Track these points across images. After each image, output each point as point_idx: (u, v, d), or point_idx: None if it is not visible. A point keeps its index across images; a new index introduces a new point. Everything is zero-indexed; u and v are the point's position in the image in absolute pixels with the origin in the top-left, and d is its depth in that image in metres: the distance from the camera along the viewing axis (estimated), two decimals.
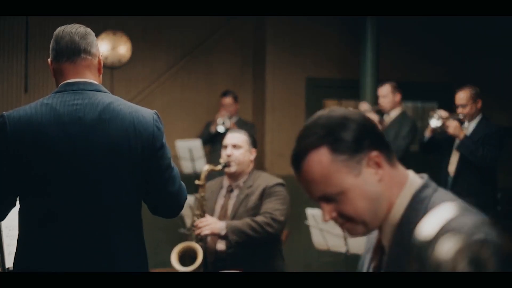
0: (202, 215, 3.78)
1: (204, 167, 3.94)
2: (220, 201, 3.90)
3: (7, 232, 2.46)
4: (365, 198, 1.35)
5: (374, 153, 1.37)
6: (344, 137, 1.34)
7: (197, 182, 3.87)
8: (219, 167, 3.83)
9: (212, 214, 3.84)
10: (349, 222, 1.36)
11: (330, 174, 1.33)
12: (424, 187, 1.40)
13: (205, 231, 3.67)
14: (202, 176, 3.89)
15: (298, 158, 1.36)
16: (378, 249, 1.42)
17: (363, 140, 1.36)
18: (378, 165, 1.37)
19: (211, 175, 4.00)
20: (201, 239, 3.78)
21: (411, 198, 1.38)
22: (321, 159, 1.33)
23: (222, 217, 3.82)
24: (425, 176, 1.44)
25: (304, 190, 1.38)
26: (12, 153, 2.16)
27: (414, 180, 1.41)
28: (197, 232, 3.72)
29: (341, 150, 1.34)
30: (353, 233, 1.37)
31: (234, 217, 3.74)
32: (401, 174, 1.42)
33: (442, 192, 1.39)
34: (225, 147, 3.85)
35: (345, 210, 1.34)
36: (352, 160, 1.34)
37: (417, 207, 1.35)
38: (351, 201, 1.34)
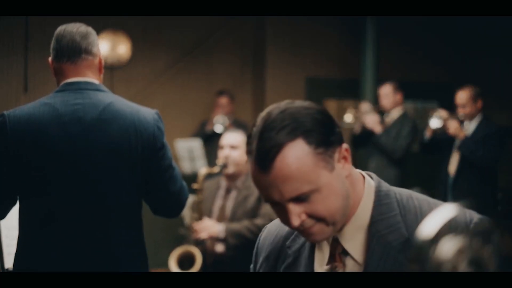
0: (200, 218, 3.77)
1: (201, 171, 3.91)
2: (218, 202, 3.88)
3: (7, 232, 2.45)
4: (338, 195, 1.24)
5: (345, 146, 1.27)
6: (317, 129, 1.23)
7: (194, 186, 3.85)
8: (216, 170, 3.81)
9: (209, 215, 3.83)
10: (318, 224, 1.23)
11: (308, 169, 1.21)
12: (379, 181, 1.34)
13: (204, 235, 3.66)
14: (200, 180, 3.87)
15: (270, 154, 1.20)
16: (337, 255, 1.28)
17: (333, 132, 1.25)
18: (346, 159, 1.27)
19: (208, 175, 4.00)
20: (199, 242, 3.77)
21: (375, 194, 1.31)
22: (298, 152, 1.20)
23: (220, 218, 3.79)
24: (366, 172, 1.37)
25: (269, 193, 1.23)
26: (12, 152, 2.16)
27: (366, 176, 1.35)
28: (195, 236, 3.70)
29: (316, 143, 1.21)
30: (318, 237, 1.25)
31: (232, 218, 3.72)
32: (356, 171, 1.34)
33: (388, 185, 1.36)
34: (222, 147, 3.82)
35: (318, 210, 1.22)
36: (326, 154, 1.23)
37: (387, 202, 1.30)
38: (325, 199, 1.23)
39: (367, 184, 1.32)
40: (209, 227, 3.66)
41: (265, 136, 1.21)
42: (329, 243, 1.30)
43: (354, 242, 1.28)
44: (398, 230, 1.26)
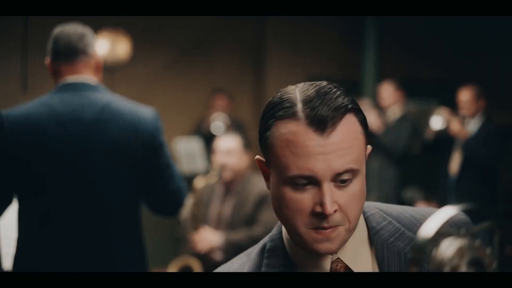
0: (197, 227, 3.70)
1: (198, 182, 3.81)
2: (215, 208, 3.80)
3: (5, 232, 2.45)
4: (364, 193, 1.12)
5: (370, 146, 1.17)
6: (362, 111, 1.13)
7: (191, 198, 3.76)
8: (213, 180, 3.73)
9: (205, 220, 3.77)
10: (338, 228, 1.08)
11: (361, 145, 1.10)
12: None
13: (203, 247, 3.60)
14: (197, 190, 3.77)
15: (336, 114, 1.06)
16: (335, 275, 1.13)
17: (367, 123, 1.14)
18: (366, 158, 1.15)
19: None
20: (198, 255, 3.71)
21: None
22: (356, 125, 1.09)
23: (217, 225, 3.73)
24: None
25: (312, 163, 1.05)
26: (10, 152, 2.16)
27: None
28: (194, 248, 3.65)
29: (362, 123, 1.12)
30: (333, 245, 1.09)
31: (231, 226, 3.65)
32: None
33: None
34: (217, 153, 3.73)
35: (352, 202, 1.08)
36: (366, 142, 1.12)
37: (373, 213, 1.19)
38: (360, 192, 1.10)
39: None
40: (208, 239, 3.60)
41: (328, 97, 1.07)
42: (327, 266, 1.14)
43: (359, 258, 1.15)
44: (403, 234, 1.16)
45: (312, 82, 1.13)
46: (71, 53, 2.26)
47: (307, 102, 1.08)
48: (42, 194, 2.18)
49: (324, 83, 1.12)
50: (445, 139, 5.19)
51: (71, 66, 2.26)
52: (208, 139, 6.64)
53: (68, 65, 2.26)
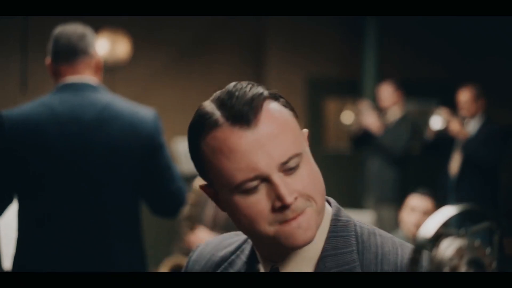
0: (193, 227, 3.71)
1: (198, 182, 3.83)
2: (210, 210, 3.81)
3: (5, 232, 2.45)
4: (320, 176, 1.07)
5: (306, 130, 1.11)
6: (280, 96, 1.08)
7: (191, 199, 3.78)
8: None
9: (200, 222, 3.77)
10: (308, 208, 1.03)
11: (293, 126, 1.05)
12: (338, 209, 1.13)
13: None
14: (196, 190, 3.78)
15: (254, 103, 1.01)
16: None
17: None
18: (307, 145, 1.11)
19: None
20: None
21: (332, 223, 1.11)
22: (279, 107, 1.05)
23: (212, 226, 3.72)
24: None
25: (252, 162, 1.00)
26: (10, 152, 2.16)
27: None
28: (189, 247, 3.64)
29: (287, 106, 1.07)
30: (306, 234, 1.03)
31: (226, 227, 3.66)
32: None
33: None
34: None
35: (308, 185, 1.03)
36: (297, 123, 1.08)
37: (343, 234, 1.10)
38: (312, 174, 1.04)
39: (326, 207, 1.12)
40: (204, 239, 3.58)
41: (241, 92, 1.02)
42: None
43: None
44: (352, 270, 1.06)
45: (223, 89, 1.08)
46: (71, 53, 2.26)
47: (222, 106, 1.03)
48: (41, 194, 2.18)
49: (233, 83, 1.06)
50: (445, 140, 5.18)
51: (71, 66, 2.26)
52: None
53: (68, 65, 2.26)
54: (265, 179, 1.01)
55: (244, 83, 1.05)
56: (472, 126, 5.07)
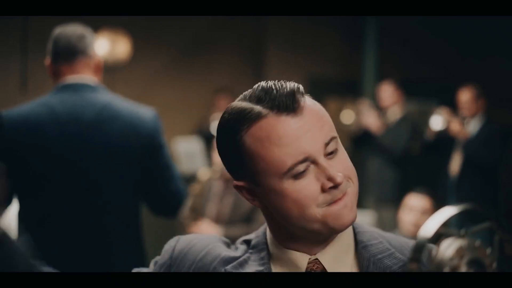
0: (196, 219, 3.73)
1: (202, 174, 3.85)
2: (213, 205, 3.83)
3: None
4: (347, 156, 1.13)
5: None
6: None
7: (195, 189, 3.80)
8: (217, 174, 3.77)
9: (204, 215, 3.79)
10: (350, 190, 1.09)
11: (325, 113, 1.12)
12: None
13: None
14: (201, 183, 3.81)
15: (296, 91, 1.08)
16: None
17: None
18: None
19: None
20: None
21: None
22: (308, 99, 1.11)
23: (216, 220, 3.75)
24: None
25: (301, 144, 1.06)
26: (10, 152, 2.16)
27: None
28: None
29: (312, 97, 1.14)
30: (350, 215, 1.08)
31: (229, 222, 3.68)
32: None
33: None
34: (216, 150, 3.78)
35: (348, 167, 1.10)
36: None
37: (364, 230, 1.18)
38: (346, 154, 1.11)
39: None
40: (207, 232, 3.62)
41: (279, 86, 1.08)
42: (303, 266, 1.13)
43: (340, 265, 1.14)
44: (393, 255, 1.14)
45: (250, 90, 1.13)
46: (71, 54, 2.26)
47: (260, 100, 1.08)
48: (41, 194, 2.18)
49: (261, 83, 1.11)
50: (445, 140, 5.18)
51: (71, 67, 2.26)
52: (208, 139, 6.63)
53: (67, 66, 2.26)
54: (313, 162, 1.07)
55: (274, 81, 1.11)
56: (472, 126, 5.06)
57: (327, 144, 1.07)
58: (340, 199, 1.07)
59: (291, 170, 1.06)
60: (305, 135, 1.06)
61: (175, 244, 1.23)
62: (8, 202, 2.24)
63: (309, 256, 1.13)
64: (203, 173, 3.88)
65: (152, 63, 7.46)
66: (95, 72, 2.32)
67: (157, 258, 1.26)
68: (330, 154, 1.08)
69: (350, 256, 1.15)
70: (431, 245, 0.83)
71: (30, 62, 6.97)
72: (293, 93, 1.07)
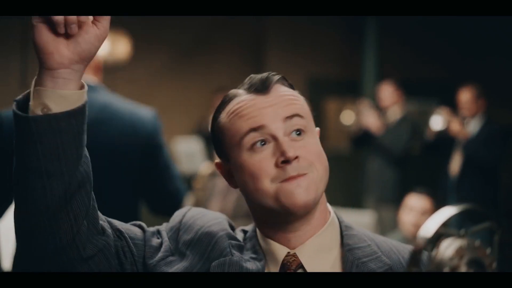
0: None
1: (204, 169, 3.89)
2: (216, 202, 3.86)
3: (5, 232, 2.45)
4: (324, 154, 1.15)
5: (317, 128, 1.20)
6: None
7: (197, 184, 3.84)
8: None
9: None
10: (310, 173, 1.09)
11: (301, 101, 1.17)
12: (339, 215, 1.22)
13: None
14: (203, 178, 3.84)
15: (270, 78, 1.16)
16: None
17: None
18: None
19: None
20: None
21: (340, 224, 1.20)
22: (289, 87, 1.20)
23: None
24: None
25: (261, 117, 1.11)
26: (10, 152, 2.16)
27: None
28: None
29: (296, 91, 1.22)
30: (303, 195, 1.08)
31: (232, 217, 3.71)
32: None
33: None
34: None
35: (312, 150, 1.11)
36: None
37: (353, 233, 1.18)
38: (316, 145, 1.13)
39: (331, 209, 1.20)
40: None
41: (259, 75, 1.18)
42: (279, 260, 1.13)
43: (318, 262, 1.13)
44: (379, 258, 1.14)
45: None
46: None
47: (243, 85, 1.18)
48: None
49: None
50: (445, 140, 5.18)
51: None
52: (208, 139, 6.64)
53: None
54: (273, 138, 1.11)
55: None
56: (473, 126, 5.06)
57: (288, 119, 1.12)
58: (294, 177, 1.09)
59: (246, 136, 1.11)
60: (268, 108, 1.12)
61: (187, 211, 1.27)
62: (8, 202, 2.24)
63: (288, 250, 1.14)
64: (206, 167, 3.91)
65: (152, 63, 7.46)
66: (95, 72, 2.32)
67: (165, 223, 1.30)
68: (295, 135, 1.11)
69: (332, 256, 1.15)
70: (431, 245, 0.83)
71: (30, 62, 6.97)
72: (268, 79, 1.15)
